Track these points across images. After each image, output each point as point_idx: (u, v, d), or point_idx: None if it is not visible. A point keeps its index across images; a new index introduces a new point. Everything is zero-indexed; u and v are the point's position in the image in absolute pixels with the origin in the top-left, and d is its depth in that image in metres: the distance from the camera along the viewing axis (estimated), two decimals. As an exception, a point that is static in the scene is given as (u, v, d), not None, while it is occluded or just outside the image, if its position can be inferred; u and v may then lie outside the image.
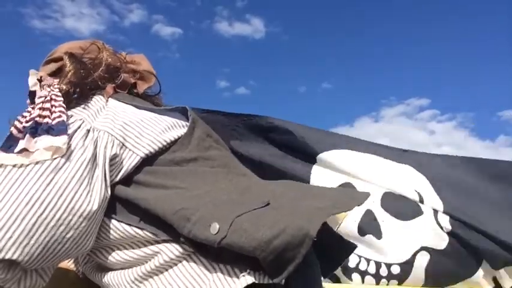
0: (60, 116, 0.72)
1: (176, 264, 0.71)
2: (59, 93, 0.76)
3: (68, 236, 0.67)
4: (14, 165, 0.67)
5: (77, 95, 0.80)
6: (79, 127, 0.73)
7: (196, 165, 0.77)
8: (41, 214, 0.65)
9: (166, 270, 0.72)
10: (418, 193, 1.33)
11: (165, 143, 0.77)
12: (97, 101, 0.81)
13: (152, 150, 0.76)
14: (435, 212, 1.29)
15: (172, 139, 0.78)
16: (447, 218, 1.27)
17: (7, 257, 0.63)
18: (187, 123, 0.82)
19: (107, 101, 0.82)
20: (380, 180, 1.36)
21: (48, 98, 0.75)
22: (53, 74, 0.83)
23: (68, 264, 0.94)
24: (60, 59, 0.85)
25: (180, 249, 0.70)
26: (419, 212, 1.31)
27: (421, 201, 1.32)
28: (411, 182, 1.36)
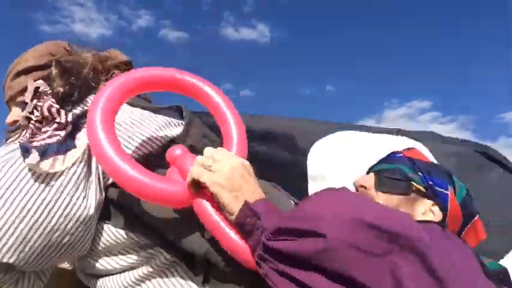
0: (49, 137, 0.71)
1: (169, 269, 0.71)
2: (52, 102, 0.74)
3: (64, 241, 0.67)
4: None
5: (74, 97, 0.78)
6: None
7: None
8: (36, 220, 0.64)
9: (159, 275, 0.71)
10: None
11: (159, 143, 0.75)
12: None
13: (146, 151, 0.74)
14: None
15: (167, 138, 0.76)
16: None
17: (4, 260, 0.63)
18: (182, 122, 0.80)
19: None
20: None
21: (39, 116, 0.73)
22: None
23: (68, 265, 0.94)
24: (31, 70, 0.81)
25: (172, 255, 0.70)
26: None
27: None
28: None
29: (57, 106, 0.74)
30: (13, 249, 0.63)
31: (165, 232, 0.69)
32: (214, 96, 0.80)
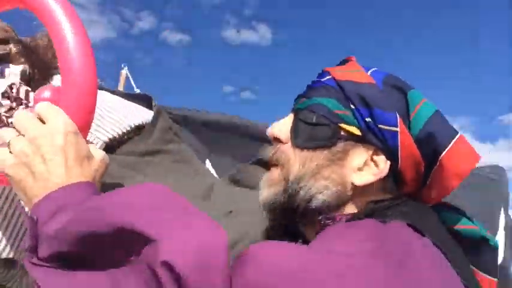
0: None
1: None
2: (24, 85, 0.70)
3: None
4: None
5: (38, 76, 0.75)
6: None
7: (158, 157, 0.76)
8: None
9: None
10: None
11: (129, 128, 0.75)
12: (56, 82, 0.76)
13: (116, 135, 0.74)
14: None
15: (136, 124, 0.76)
16: None
17: (3, 256, 0.63)
18: (150, 111, 0.80)
19: None
20: None
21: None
22: None
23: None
24: None
25: None
26: None
27: None
28: None
29: (29, 88, 0.69)
30: (10, 244, 0.63)
31: None
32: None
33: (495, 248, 0.55)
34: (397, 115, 0.53)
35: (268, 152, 0.59)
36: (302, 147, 0.55)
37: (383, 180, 0.54)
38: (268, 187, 0.57)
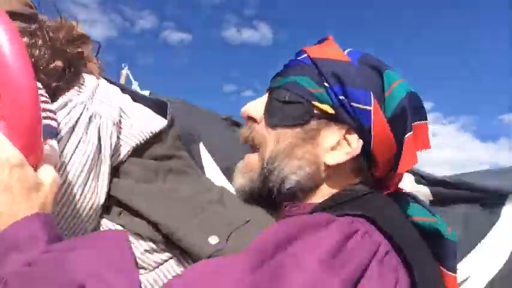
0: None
1: (162, 264, 0.71)
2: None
3: (81, 226, 0.67)
4: None
5: (70, 72, 0.72)
6: (81, 114, 0.68)
7: (172, 162, 0.80)
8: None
9: (153, 269, 0.70)
10: None
11: (151, 134, 0.78)
12: (88, 80, 0.74)
13: (141, 140, 0.76)
14: None
15: (154, 132, 0.79)
16: None
17: None
18: (165, 118, 0.83)
19: (98, 79, 0.77)
20: None
21: None
22: None
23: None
24: (15, 15, 0.66)
25: (165, 250, 0.70)
26: None
27: None
28: None
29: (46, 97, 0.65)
30: None
31: (171, 228, 0.69)
32: None
33: (452, 242, 0.53)
34: (371, 94, 0.51)
35: (244, 132, 0.58)
36: (276, 125, 0.54)
37: (355, 160, 0.52)
38: (243, 174, 0.57)
